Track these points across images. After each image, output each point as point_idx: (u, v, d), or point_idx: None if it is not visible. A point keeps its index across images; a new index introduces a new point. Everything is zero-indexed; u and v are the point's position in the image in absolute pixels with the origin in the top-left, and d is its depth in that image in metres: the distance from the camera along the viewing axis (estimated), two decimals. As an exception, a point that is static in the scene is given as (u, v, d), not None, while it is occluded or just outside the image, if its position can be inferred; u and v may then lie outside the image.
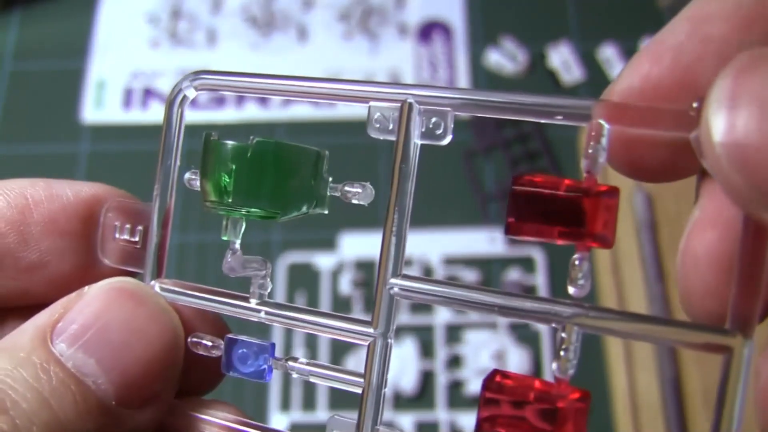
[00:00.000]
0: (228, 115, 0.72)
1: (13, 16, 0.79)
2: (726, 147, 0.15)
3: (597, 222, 0.18)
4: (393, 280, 0.21)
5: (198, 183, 0.23)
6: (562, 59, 0.73)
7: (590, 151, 0.19)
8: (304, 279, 0.65)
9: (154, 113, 0.73)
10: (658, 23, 0.20)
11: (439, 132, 0.21)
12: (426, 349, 0.62)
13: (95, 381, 0.21)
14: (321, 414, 0.60)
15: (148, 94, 0.74)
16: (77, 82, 0.75)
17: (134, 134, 0.72)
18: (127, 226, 0.24)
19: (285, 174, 0.22)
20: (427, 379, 0.61)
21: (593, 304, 0.19)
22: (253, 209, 0.22)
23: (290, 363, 0.23)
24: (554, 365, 0.19)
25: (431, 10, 0.77)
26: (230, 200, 0.22)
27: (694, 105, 0.18)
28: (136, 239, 0.24)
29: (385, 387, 0.21)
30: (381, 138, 0.21)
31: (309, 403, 0.61)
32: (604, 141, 0.19)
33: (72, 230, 0.24)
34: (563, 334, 0.19)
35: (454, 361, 0.61)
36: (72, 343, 0.21)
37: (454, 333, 0.62)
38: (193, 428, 0.23)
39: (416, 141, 0.21)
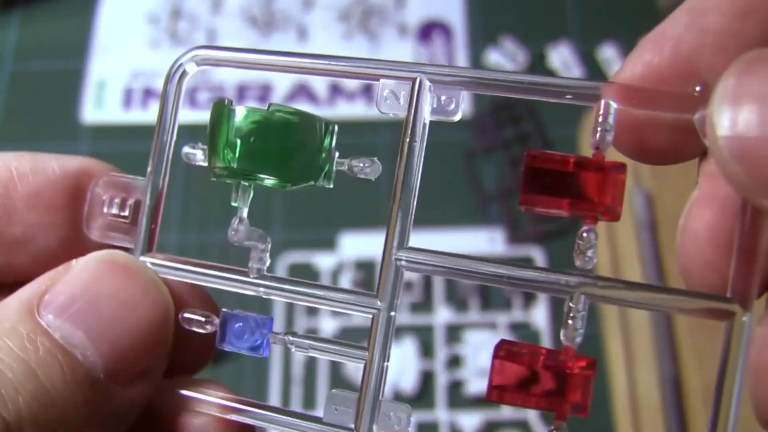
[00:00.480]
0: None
1: (13, 16, 0.79)
2: (728, 140, 0.17)
3: (606, 194, 0.19)
4: (400, 253, 0.21)
5: (196, 157, 0.23)
6: (562, 59, 0.73)
7: (598, 129, 0.20)
8: (304, 279, 0.65)
9: (154, 113, 0.73)
10: (658, 23, 0.21)
11: (450, 108, 0.21)
12: (426, 349, 0.62)
13: (83, 352, 0.20)
14: (321, 413, 0.59)
15: (148, 94, 0.74)
16: (77, 82, 0.75)
17: (134, 134, 0.72)
18: (117, 200, 0.24)
19: (295, 144, 0.22)
20: (427, 379, 0.61)
21: (599, 275, 0.20)
22: (261, 177, 0.22)
23: (289, 337, 0.22)
24: (562, 333, 0.19)
25: (431, 10, 0.77)
26: (239, 167, 0.21)
27: (697, 88, 0.19)
28: (126, 214, 0.24)
29: (387, 360, 0.21)
30: (391, 114, 0.22)
31: (309, 403, 0.60)
32: (611, 120, 0.20)
33: (58, 204, 0.24)
34: (571, 303, 0.19)
35: (454, 361, 0.61)
36: (59, 314, 0.21)
37: (454, 333, 0.62)
38: (183, 407, 0.23)
39: (426, 118, 0.22)
